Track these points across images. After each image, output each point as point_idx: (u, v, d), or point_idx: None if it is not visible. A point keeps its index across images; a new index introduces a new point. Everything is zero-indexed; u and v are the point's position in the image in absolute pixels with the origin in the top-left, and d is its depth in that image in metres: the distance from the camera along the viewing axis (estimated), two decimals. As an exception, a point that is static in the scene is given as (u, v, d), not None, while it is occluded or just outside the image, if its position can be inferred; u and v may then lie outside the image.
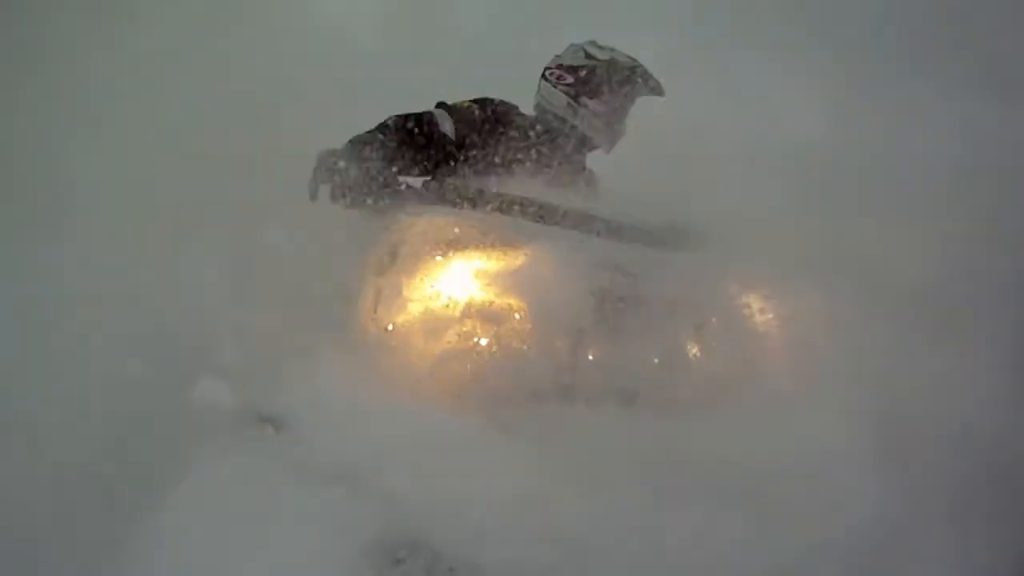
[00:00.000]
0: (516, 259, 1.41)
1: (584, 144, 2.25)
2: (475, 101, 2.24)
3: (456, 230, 1.44)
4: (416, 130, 2.12)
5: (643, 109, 1.98)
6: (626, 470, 1.23)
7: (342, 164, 1.88)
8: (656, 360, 1.39)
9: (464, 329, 1.39)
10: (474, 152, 2.08)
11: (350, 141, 2.06)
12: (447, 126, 2.09)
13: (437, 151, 2.14)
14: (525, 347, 1.37)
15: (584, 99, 2.19)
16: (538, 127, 2.26)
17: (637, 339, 1.40)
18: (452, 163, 2.06)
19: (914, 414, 1.43)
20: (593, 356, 1.39)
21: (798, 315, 1.50)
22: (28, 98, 2.34)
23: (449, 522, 1.09)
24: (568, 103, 2.18)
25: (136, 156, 2.21)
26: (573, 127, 2.19)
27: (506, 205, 1.46)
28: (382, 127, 2.14)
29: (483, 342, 1.39)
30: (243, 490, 1.20)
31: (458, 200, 1.51)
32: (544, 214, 1.45)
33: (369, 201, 1.77)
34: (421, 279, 1.43)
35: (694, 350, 1.43)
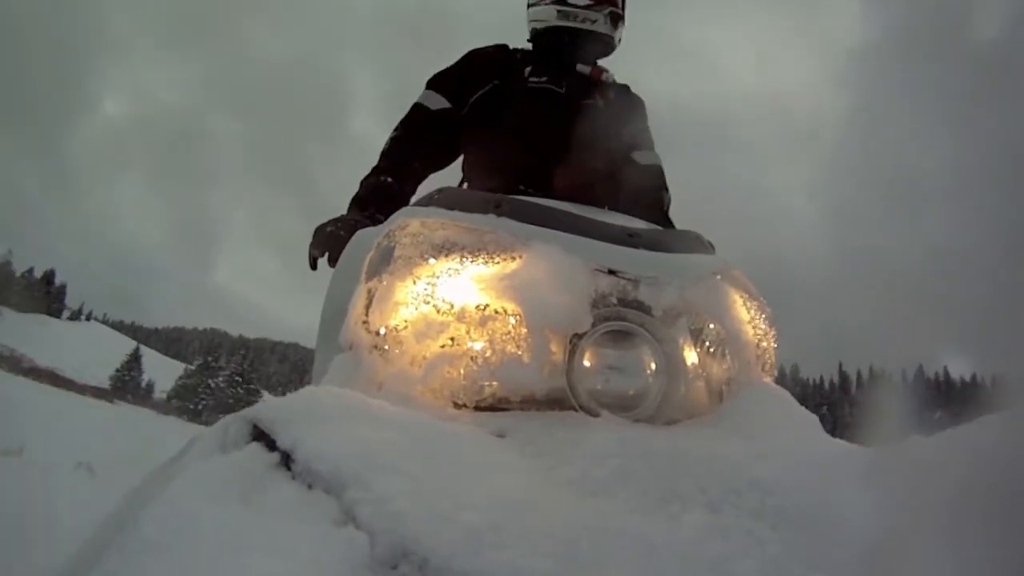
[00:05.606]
0: (511, 262, 1.39)
1: (578, 47, 2.24)
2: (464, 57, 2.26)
3: (449, 232, 1.42)
4: (416, 128, 2.15)
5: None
6: (622, 477, 1.21)
7: (330, 229, 1.90)
8: (653, 366, 1.37)
9: (458, 333, 1.36)
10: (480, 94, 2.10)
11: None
12: (434, 100, 2.13)
13: (439, 134, 2.17)
14: (520, 352, 1.35)
15: None
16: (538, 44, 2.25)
17: (634, 344, 1.38)
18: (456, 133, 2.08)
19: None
20: (589, 362, 1.37)
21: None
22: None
23: (441, 529, 1.06)
24: (558, 10, 2.19)
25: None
26: (567, 30, 2.19)
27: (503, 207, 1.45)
28: (382, 156, 2.17)
29: (477, 346, 1.36)
30: (230, 496, 1.17)
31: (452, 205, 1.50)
32: (543, 216, 1.44)
33: None
34: (413, 282, 1.40)
35: (691, 356, 1.41)
